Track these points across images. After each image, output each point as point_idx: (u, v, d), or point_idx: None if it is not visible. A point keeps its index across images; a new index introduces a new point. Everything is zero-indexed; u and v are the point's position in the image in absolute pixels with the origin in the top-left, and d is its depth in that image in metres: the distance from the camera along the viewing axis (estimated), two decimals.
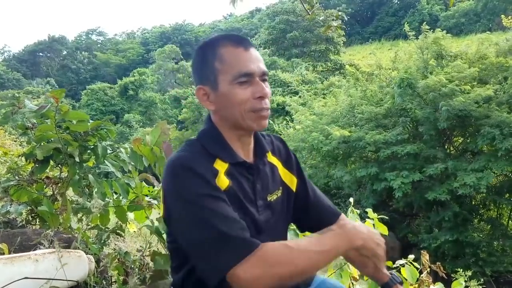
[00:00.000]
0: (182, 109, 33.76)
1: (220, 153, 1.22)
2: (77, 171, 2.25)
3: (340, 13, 4.12)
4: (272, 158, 1.36)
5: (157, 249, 2.16)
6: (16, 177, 2.35)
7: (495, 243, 13.40)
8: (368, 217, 2.24)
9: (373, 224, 2.23)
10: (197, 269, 1.13)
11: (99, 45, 73.09)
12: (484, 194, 13.85)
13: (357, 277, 2.19)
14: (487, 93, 12.87)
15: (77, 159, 2.19)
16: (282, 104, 22.36)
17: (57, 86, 48.92)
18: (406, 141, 14.07)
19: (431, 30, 15.53)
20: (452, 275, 2.57)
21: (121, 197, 2.37)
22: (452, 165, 13.06)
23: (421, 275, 2.08)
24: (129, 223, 2.56)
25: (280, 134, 17.34)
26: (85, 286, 1.80)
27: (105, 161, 2.27)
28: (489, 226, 14.31)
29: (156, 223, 2.10)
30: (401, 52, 17.17)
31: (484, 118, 12.88)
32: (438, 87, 13.12)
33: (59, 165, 2.32)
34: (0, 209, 2.27)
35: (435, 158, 13.66)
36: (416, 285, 2.08)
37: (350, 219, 1.49)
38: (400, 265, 2.07)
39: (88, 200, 2.28)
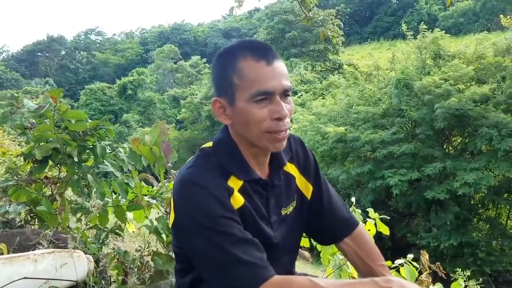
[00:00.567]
0: (181, 109, 33.76)
1: (236, 170, 1.17)
2: (76, 171, 2.24)
3: (336, 19, 4.13)
4: (290, 167, 1.31)
5: (156, 249, 2.15)
6: (15, 177, 2.34)
7: (494, 242, 13.43)
8: (369, 217, 2.24)
9: (375, 224, 2.23)
10: (210, 286, 1.11)
11: (97, 45, 73.03)
12: (483, 194, 13.87)
13: (356, 277, 2.19)
14: (482, 91, 12.87)
15: (76, 159, 2.19)
16: None
17: (55, 86, 48.84)
18: (402, 141, 14.09)
19: (429, 30, 15.55)
20: (451, 275, 2.57)
21: (120, 197, 2.36)
22: (451, 165, 13.08)
23: (420, 275, 2.08)
24: (128, 223, 2.56)
25: None
26: (84, 286, 1.80)
27: (104, 160, 2.26)
28: (487, 226, 14.35)
29: (155, 223, 2.10)
30: (399, 52, 17.19)
31: (481, 118, 12.90)
32: (433, 88, 13.14)
33: (58, 165, 2.32)
34: None
35: (433, 157, 13.68)
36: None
37: (388, 275, 1.34)
38: (399, 264, 2.07)
39: (87, 200, 2.28)
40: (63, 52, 66.80)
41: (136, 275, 1.91)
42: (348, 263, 2.19)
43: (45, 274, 1.60)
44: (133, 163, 2.24)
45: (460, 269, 2.62)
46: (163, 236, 2.04)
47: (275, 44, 35.24)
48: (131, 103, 41.33)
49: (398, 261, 2.09)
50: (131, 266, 2.10)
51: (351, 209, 2.34)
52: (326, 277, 2.19)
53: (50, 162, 2.28)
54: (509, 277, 13.11)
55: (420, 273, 2.10)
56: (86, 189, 2.36)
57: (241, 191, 1.16)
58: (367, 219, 2.24)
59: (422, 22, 16.71)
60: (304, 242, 2.15)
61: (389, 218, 2.38)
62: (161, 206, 2.22)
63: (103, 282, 2.02)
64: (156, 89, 45.44)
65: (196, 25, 75.01)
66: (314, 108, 17.90)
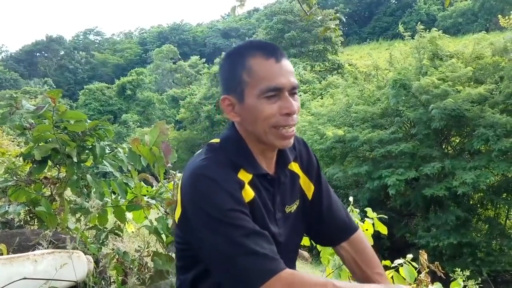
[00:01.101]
0: (180, 109, 33.74)
1: (245, 163, 1.19)
2: (75, 171, 2.24)
3: (337, 14, 4.13)
4: (294, 166, 1.32)
5: (156, 249, 2.15)
6: (14, 178, 2.34)
7: (493, 242, 13.43)
8: (367, 217, 2.24)
9: (373, 224, 2.23)
10: (221, 282, 1.11)
11: (96, 45, 72.99)
12: (482, 194, 13.90)
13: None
14: (478, 91, 12.89)
15: (75, 159, 2.19)
16: None
17: (54, 86, 48.83)
18: (401, 140, 14.12)
19: (427, 30, 15.57)
20: (450, 274, 2.58)
21: (119, 197, 2.36)
22: (449, 164, 13.11)
23: (419, 275, 2.08)
24: (127, 223, 2.56)
25: None
26: (84, 286, 1.80)
27: (103, 161, 2.26)
28: (487, 226, 14.36)
29: (155, 223, 2.10)
30: (397, 53, 17.22)
31: (478, 118, 12.92)
32: (431, 89, 13.16)
33: (57, 165, 2.32)
34: None
35: (432, 157, 13.70)
36: (415, 285, 2.08)
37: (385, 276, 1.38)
38: (399, 264, 2.08)
39: (87, 200, 2.28)
40: (62, 52, 66.76)
41: (136, 275, 1.91)
42: None
43: (45, 274, 1.60)
44: (132, 163, 2.24)
45: (459, 269, 2.62)
46: (163, 236, 2.04)
47: None
48: (130, 103, 41.31)
49: (397, 261, 2.09)
50: (131, 266, 2.10)
51: (349, 208, 2.33)
52: (326, 277, 2.19)
53: (49, 163, 2.28)
54: (507, 277, 13.13)
55: (419, 272, 2.10)
56: (86, 189, 2.36)
57: (251, 184, 1.18)
58: (365, 218, 2.24)
59: (419, 22, 16.74)
60: (305, 240, 2.15)
61: (387, 217, 2.38)
62: (161, 206, 2.22)
63: (103, 283, 2.02)
64: (155, 89, 45.42)
65: (195, 25, 75.01)
66: (313, 108, 17.91)
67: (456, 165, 13.08)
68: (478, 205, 14.85)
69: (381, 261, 1.45)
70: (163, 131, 2.14)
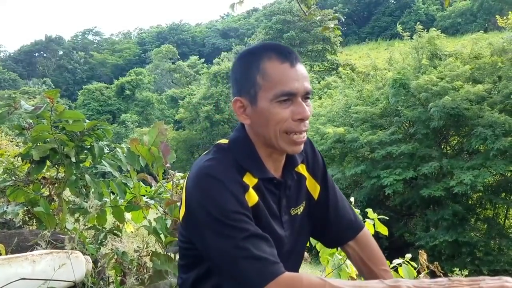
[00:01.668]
0: (179, 109, 33.72)
1: (252, 167, 1.18)
2: (74, 172, 2.24)
3: (336, 14, 4.13)
4: (301, 168, 1.31)
5: (155, 249, 2.15)
6: (13, 178, 2.34)
7: (491, 242, 13.45)
8: (368, 217, 2.25)
9: (373, 224, 2.23)
10: (222, 283, 1.11)
11: (95, 45, 72.93)
12: (480, 193, 13.92)
13: (355, 277, 2.19)
14: (476, 90, 12.91)
15: (73, 159, 2.18)
16: None
17: (53, 86, 48.77)
18: (400, 141, 14.14)
19: (425, 30, 15.60)
20: (449, 274, 2.58)
21: (118, 197, 2.36)
22: (447, 164, 13.13)
23: (418, 275, 2.09)
24: (126, 223, 2.56)
25: None
26: (82, 286, 1.79)
27: (102, 161, 2.26)
28: (485, 226, 14.38)
29: (153, 223, 2.10)
30: (396, 53, 17.24)
31: (477, 118, 12.95)
32: (430, 86, 13.18)
33: (56, 166, 2.31)
34: None
35: (430, 157, 13.72)
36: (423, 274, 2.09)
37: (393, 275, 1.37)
38: (398, 264, 2.08)
39: (85, 200, 2.28)
40: (61, 52, 66.71)
41: (135, 276, 1.90)
42: (347, 263, 2.19)
43: (43, 274, 1.60)
44: (131, 163, 2.24)
45: (458, 269, 2.62)
46: (162, 236, 2.03)
47: None
48: (129, 103, 41.28)
49: (397, 261, 2.09)
50: (130, 266, 2.10)
51: None
52: (325, 277, 2.19)
53: (48, 163, 2.28)
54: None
55: (419, 272, 2.10)
56: (84, 190, 2.36)
57: (255, 188, 1.17)
58: (366, 219, 2.24)
59: (418, 22, 16.77)
60: None
61: (387, 218, 2.38)
62: (160, 206, 2.22)
63: (102, 283, 2.02)
64: (154, 89, 45.40)
65: (194, 25, 75.00)
66: (312, 109, 17.95)
67: (454, 164, 13.11)
68: (477, 205, 14.88)
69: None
70: (161, 131, 2.14)
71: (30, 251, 1.78)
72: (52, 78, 57.51)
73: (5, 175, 2.41)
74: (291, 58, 1.15)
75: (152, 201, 2.27)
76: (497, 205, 14.47)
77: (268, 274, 1.03)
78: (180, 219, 1.22)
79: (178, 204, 1.97)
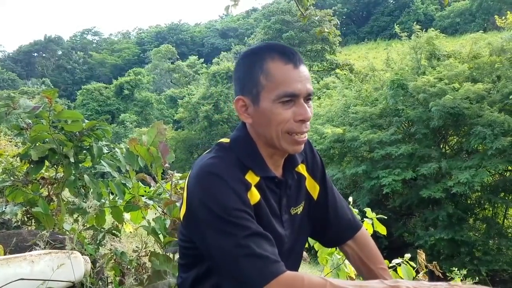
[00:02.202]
0: (178, 109, 33.70)
1: (254, 165, 1.19)
2: (73, 172, 2.24)
3: (334, 16, 4.14)
4: (301, 168, 1.33)
5: (154, 249, 2.15)
6: (12, 178, 2.34)
7: (490, 242, 13.47)
8: (367, 217, 2.25)
9: (372, 224, 2.23)
10: (222, 281, 1.11)
11: (94, 45, 72.86)
12: (479, 193, 13.94)
13: (354, 277, 2.19)
14: (476, 88, 12.93)
15: (72, 160, 2.18)
16: None
17: (52, 86, 48.59)
18: (400, 141, 14.15)
19: (423, 30, 15.61)
20: (448, 274, 2.58)
21: (117, 198, 2.36)
22: (446, 164, 13.14)
23: (417, 275, 2.09)
24: (125, 223, 2.56)
25: None
26: (81, 287, 1.79)
27: (101, 161, 2.26)
28: (484, 225, 14.39)
29: (152, 224, 2.10)
30: (394, 53, 17.26)
31: (476, 117, 12.96)
32: (427, 88, 13.20)
33: (55, 166, 2.31)
34: None
35: (430, 157, 13.73)
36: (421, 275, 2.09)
37: (389, 276, 1.37)
38: (397, 264, 2.08)
39: (84, 200, 2.27)
40: (60, 52, 66.62)
41: (134, 276, 1.90)
42: (346, 262, 2.20)
43: (42, 275, 1.60)
44: (130, 163, 2.23)
45: (457, 269, 2.63)
46: (160, 236, 2.03)
47: None
48: (128, 103, 41.23)
49: (396, 261, 2.10)
50: (128, 266, 2.10)
51: None
52: (324, 277, 2.19)
53: (47, 163, 2.28)
54: (505, 277, 13.16)
55: (417, 272, 2.10)
56: (83, 190, 2.36)
57: (257, 187, 1.18)
58: (365, 219, 2.25)
59: (415, 23, 16.78)
60: None
61: (386, 218, 2.38)
62: (158, 206, 2.22)
63: (100, 283, 2.01)
64: (153, 89, 45.35)
65: (193, 25, 74.94)
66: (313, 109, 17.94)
67: (453, 165, 13.12)
68: (476, 205, 14.89)
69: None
70: (160, 131, 2.14)
71: (29, 252, 1.78)
72: (51, 78, 57.44)
73: (4, 175, 2.41)
74: (295, 59, 1.16)
75: (151, 201, 2.27)
76: (496, 205, 14.48)
77: (269, 273, 1.04)
78: (181, 218, 1.22)
79: (177, 204, 1.97)
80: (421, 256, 2.11)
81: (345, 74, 18.41)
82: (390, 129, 14.34)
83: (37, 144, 2.19)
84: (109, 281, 2.12)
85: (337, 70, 20.95)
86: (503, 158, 12.61)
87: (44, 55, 66.02)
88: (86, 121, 2.24)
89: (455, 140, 15.31)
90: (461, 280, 2.39)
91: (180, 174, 2.30)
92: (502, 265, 12.59)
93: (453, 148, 15.25)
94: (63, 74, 61.93)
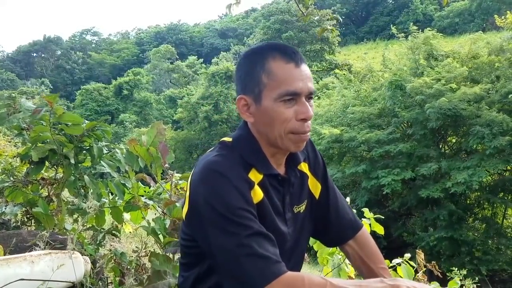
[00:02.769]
0: (177, 109, 33.68)
1: (257, 163, 1.19)
2: (73, 172, 2.24)
3: (334, 14, 4.14)
4: (303, 166, 1.33)
5: (154, 249, 2.15)
6: (11, 178, 2.34)
7: (489, 241, 13.48)
8: (364, 217, 2.25)
9: (370, 224, 2.23)
10: (223, 281, 1.12)
11: (93, 45, 72.76)
12: (478, 193, 13.95)
13: (354, 277, 2.20)
14: (473, 91, 12.93)
15: (72, 160, 2.18)
16: None
17: (51, 87, 48.75)
18: (398, 140, 14.16)
19: (420, 30, 15.61)
20: (447, 274, 2.59)
21: (117, 198, 2.36)
22: (445, 165, 13.15)
23: (417, 274, 2.09)
24: (125, 223, 2.56)
25: None
26: (81, 287, 1.79)
27: (101, 161, 2.26)
28: (483, 225, 14.40)
29: (152, 224, 2.10)
30: (392, 54, 17.27)
31: (475, 117, 12.97)
32: (425, 89, 13.21)
33: (55, 166, 2.31)
34: None
35: (429, 157, 13.74)
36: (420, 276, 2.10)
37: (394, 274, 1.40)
38: (396, 264, 2.09)
39: (84, 201, 2.27)
40: (59, 53, 66.52)
41: (133, 276, 1.90)
42: (346, 262, 2.20)
43: (42, 275, 1.60)
44: (130, 164, 2.24)
45: (456, 268, 2.63)
46: (160, 237, 2.03)
47: None
48: (127, 104, 41.20)
49: (395, 261, 2.10)
50: (128, 267, 2.10)
51: None
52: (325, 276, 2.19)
53: (47, 163, 2.28)
54: (504, 276, 13.17)
55: (417, 272, 2.11)
56: (83, 190, 2.36)
57: (260, 185, 1.18)
58: (362, 218, 2.25)
59: (412, 23, 16.78)
60: None
61: (383, 217, 2.39)
62: (158, 206, 2.22)
63: (100, 283, 2.02)
64: (152, 89, 45.32)
65: (192, 25, 74.85)
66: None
67: (452, 165, 13.14)
68: (475, 205, 14.90)
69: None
70: (160, 131, 2.14)
71: (29, 252, 1.78)
72: (50, 78, 57.35)
73: (4, 175, 2.40)
74: (296, 59, 1.16)
75: (150, 202, 2.27)
76: (495, 205, 14.49)
77: (270, 273, 1.04)
78: (183, 216, 1.22)
79: (177, 204, 1.97)
80: (420, 256, 2.11)
81: (344, 74, 18.44)
82: (388, 129, 14.36)
83: (38, 145, 2.19)
84: (109, 282, 2.12)
85: (336, 71, 20.96)
86: (502, 158, 12.63)
87: (43, 55, 65.94)
88: (86, 121, 2.24)
89: (454, 140, 15.32)
90: (461, 280, 2.39)
91: (180, 175, 2.30)
92: (501, 264, 12.60)
93: (452, 148, 15.26)
94: (62, 74, 61.84)
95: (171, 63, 48.44)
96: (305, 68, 1.17)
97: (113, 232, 2.33)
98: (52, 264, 1.63)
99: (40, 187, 2.34)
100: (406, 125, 15.25)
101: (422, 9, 47.77)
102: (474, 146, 13.16)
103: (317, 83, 26.06)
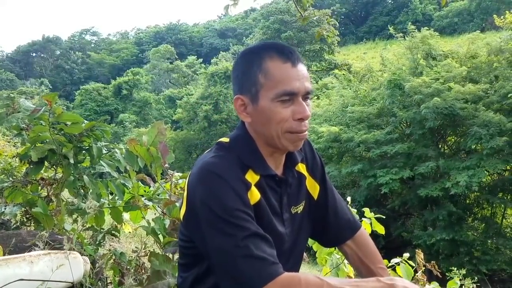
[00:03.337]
0: (176, 109, 33.65)
1: (254, 164, 1.19)
2: (72, 172, 2.24)
3: (333, 17, 4.14)
4: (301, 167, 1.33)
5: (153, 249, 2.15)
6: (11, 178, 2.34)
7: (489, 241, 13.49)
8: (365, 217, 2.25)
9: (370, 223, 2.24)
10: (218, 279, 1.12)
11: (93, 45, 72.71)
12: (477, 193, 13.96)
13: (353, 276, 2.20)
14: (468, 88, 12.93)
15: (71, 160, 2.18)
16: None
17: (50, 87, 48.68)
18: (397, 140, 14.18)
19: (417, 29, 15.63)
20: (447, 273, 2.59)
21: (116, 198, 2.36)
22: (444, 164, 13.15)
23: (416, 274, 2.09)
24: (124, 223, 2.56)
25: None
26: (80, 287, 1.79)
27: (100, 161, 2.26)
28: (483, 225, 14.42)
29: (152, 224, 2.10)
30: (390, 54, 17.29)
31: (472, 117, 12.99)
32: (423, 89, 13.22)
33: (54, 166, 2.31)
34: None
35: (427, 157, 13.75)
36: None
37: (391, 275, 1.40)
38: (396, 263, 2.09)
39: (83, 201, 2.27)
40: (58, 53, 66.46)
41: (133, 276, 1.90)
42: (345, 262, 2.20)
43: (41, 275, 1.60)
44: (130, 163, 2.23)
45: (456, 268, 2.63)
46: (160, 236, 2.03)
47: None
48: (127, 104, 41.17)
49: (394, 260, 2.10)
50: (128, 267, 2.10)
51: None
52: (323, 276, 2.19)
53: (46, 163, 2.28)
54: (504, 276, 13.18)
55: (416, 271, 2.11)
56: (83, 190, 2.35)
57: (257, 186, 1.18)
58: (363, 218, 2.25)
59: (410, 23, 16.80)
60: None
61: (384, 217, 2.39)
62: (158, 206, 2.22)
63: (100, 284, 2.01)
64: (151, 89, 45.28)
65: (192, 25, 74.82)
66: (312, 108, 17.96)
67: (451, 165, 13.15)
68: (475, 204, 14.91)
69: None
70: (161, 131, 2.14)
71: (28, 252, 1.78)
72: (50, 78, 57.29)
73: (3, 175, 2.40)
74: (293, 58, 1.16)
75: (150, 202, 2.27)
76: (494, 205, 14.50)
77: (267, 275, 1.04)
78: (181, 217, 1.22)
79: (177, 204, 1.97)
80: (419, 255, 2.11)
81: (343, 74, 18.46)
82: (386, 129, 14.38)
83: (37, 145, 2.19)
84: (108, 282, 2.12)
85: (336, 71, 20.98)
86: (501, 158, 12.64)
87: (42, 55, 65.88)
88: (86, 121, 2.24)
89: (453, 140, 15.34)
90: (460, 280, 2.39)
91: (180, 174, 2.30)
92: (500, 264, 12.61)
93: (451, 148, 15.27)
94: (61, 74, 61.79)
95: (171, 63, 48.41)
96: (302, 67, 1.17)
97: (113, 232, 2.32)
98: (52, 264, 1.63)
99: (39, 187, 2.34)
100: (405, 125, 15.26)
101: (421, 8, 47.80)
102: (473, 146, 13.17)
103: (317, 83, 26.07)
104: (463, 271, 2.56)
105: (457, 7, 43.06)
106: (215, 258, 1.09)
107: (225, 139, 1.25)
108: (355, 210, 2.37)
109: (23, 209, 2.34)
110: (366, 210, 2.29)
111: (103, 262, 1.96)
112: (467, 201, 14.69)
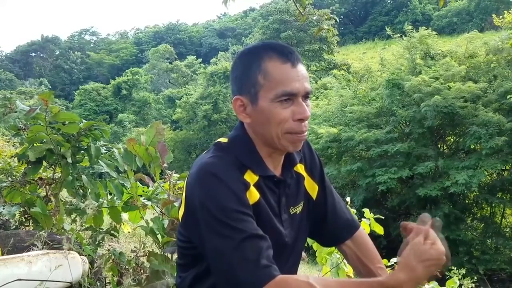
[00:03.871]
0: (176, 109, 33.64)
1: (252, 164, 1.19)
2: (71, 172, 2.23)
3: (332, 15, 4.14)
4: (299, 168, 1.32)
5: (152, 249, 2.15)
6: (9, 178, 2.33)
7: (488, 241, 13.50)
8: (364, 217, 2.25)
9: (369, 224, 2.23)
10: (215, 280, 1.12)
11: (92, 45, 72.66)
12: (476, 193, 13.97)
13: (352, 276, 2.19)
14: (468, 86, 12.95)
15: (70, 160, 2.17)
16: None
17: (50, 87, 48.65)
18: (396, 140, 14.19)
19: (415, 29, 15.65)
20: (446, 273, 2.59)
21: (115, 198, 2.36)
22: (443, 164, 13.16)
23: None
24: (123, 223, 2.55)
25: None
26: (79, 287, 1.79)
27: (99, 161, 2.25)
28: (482, 225, 14.43)
29: (150, 224, 2.09)
30: (389, 54, 17.31)
31: (471, 117, 13.00)
32: (423, 87, 13.23)
33: (52, 166, 2.31)
34: None
35: (426, 156, 13.76)
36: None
37: (390, 271, 1.39)
38: (395, 263, 2.08)
39: (82, 201, 2.27)
40: (57, 52, 66.42)
41: (132, 276, 1.90)
42: (344, 261, 2.20)
43: (40, 275, 1.59)
44: (128, 163, 2.23)
45: (455, 268, 2.63)
46: (159, 236, 2.03)
47: None
48: (126, 103, 41.14)
49: (394, 260, 2.10)
50: (127, 267, 2.10)
51: None
52: (322, 276, 2.19)
53: (44, 163, 2.27)
54: (503, 276, 13.19)
55: None
56: (81, 190, 2.35)
57: (256, 186, 1.18)
58: (362, 218, 2.25)
59: (406, 23, 16.81)
60: None
61: (383, 217, 2.39)
62: (157, 206, 2.22)
63: (98, 284, 2.01)
64: (151, 89, 45.26)
65: (191, 25, 74.81)
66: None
67: (450, 164, 13.15)
68: (474, 204, 14.92)
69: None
70: (159, 131, 2.13)
71: (27, 252, 1.77)
72: (49, 78, 57.24)
73: (2, 175, 2.40)
74: (292, 59, 1.16)
75: (149, 202, 2.27)
76: (493, 204, 14.52)
77: (262, 277, 1.04)
78: (180, 218, 1.22)
79: (175, 204, 1.96)
80: None
81: (342, 74, 18.48)
82: (386, 128, 14.39)
83: (35, 145, 2.18)
84: (107, 282, 2.11)
85: (335, 71, 20.99)
86: (500, 157, 12.65)
87: (41, 55, 65.83)
88: (84, 121, 2.24)
89: (453, 139, 15.35)
90: (460, 279, 2.39)
91: (178, 175, 2.30)
92: (500, 264, 12.62)
93: (450, 148, 15.28)
94: (60, 74, 61.74)
95: (170, 63, 48.40)
96: (301, 68, 1.17)
97: (112, 232, 2.32)
98: (50, 264, 1.62)
99: (38, 187, 2.33)
100: (404, 124, 15.27)
101: (420, 8, 47.83)
102: (472, 146, 13.18)
103: (316, 83, 26.07)
104: (463, 271, 2.56)
105: (456, 7, 43.11)
106: (212, 259, 1.10)
107: (224, 140, 1.24)
108: (354, 211, 2.37)
109: (21, 209, 2.34)
110: (366, 210, 2.29)
111: (101, 262, 1.95)
112: (466, 201, 14.70)
